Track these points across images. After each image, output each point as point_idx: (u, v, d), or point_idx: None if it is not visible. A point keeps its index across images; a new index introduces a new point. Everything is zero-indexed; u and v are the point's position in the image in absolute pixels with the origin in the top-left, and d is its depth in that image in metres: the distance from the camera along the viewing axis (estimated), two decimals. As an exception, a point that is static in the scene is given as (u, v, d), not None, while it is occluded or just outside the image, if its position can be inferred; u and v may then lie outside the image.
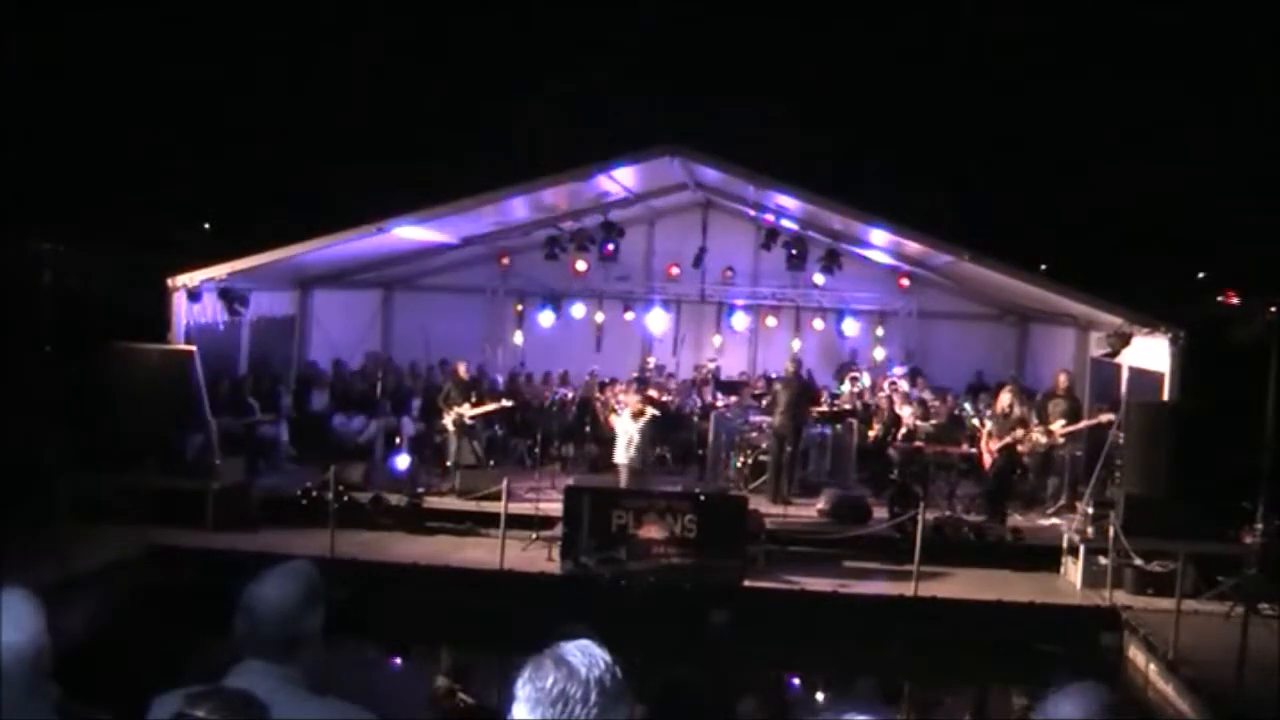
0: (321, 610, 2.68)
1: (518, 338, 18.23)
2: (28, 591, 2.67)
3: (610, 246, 16.34)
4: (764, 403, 14.51)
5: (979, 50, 33.33)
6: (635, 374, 17.10)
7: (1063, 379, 13.65)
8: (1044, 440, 13.12)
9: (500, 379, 16.51)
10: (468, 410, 13.69)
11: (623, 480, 12.30)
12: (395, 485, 13.17)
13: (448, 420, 13.70)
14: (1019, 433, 12.66)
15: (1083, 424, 13.21)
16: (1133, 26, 32.29)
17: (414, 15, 34.13)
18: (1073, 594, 11.10)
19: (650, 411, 12.52)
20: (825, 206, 14.07)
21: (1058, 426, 13.11)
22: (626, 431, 12.33)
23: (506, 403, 14.20)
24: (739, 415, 14.87)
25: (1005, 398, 12.91)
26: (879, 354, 17.82)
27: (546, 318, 17.14)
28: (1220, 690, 8.50)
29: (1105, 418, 12.72)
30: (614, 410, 15.59)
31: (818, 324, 17.58)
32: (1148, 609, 10.41)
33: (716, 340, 17.90)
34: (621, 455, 12.32)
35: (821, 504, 13.03)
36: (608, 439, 15.28)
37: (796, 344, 17.32)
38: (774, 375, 15.80)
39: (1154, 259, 27.63)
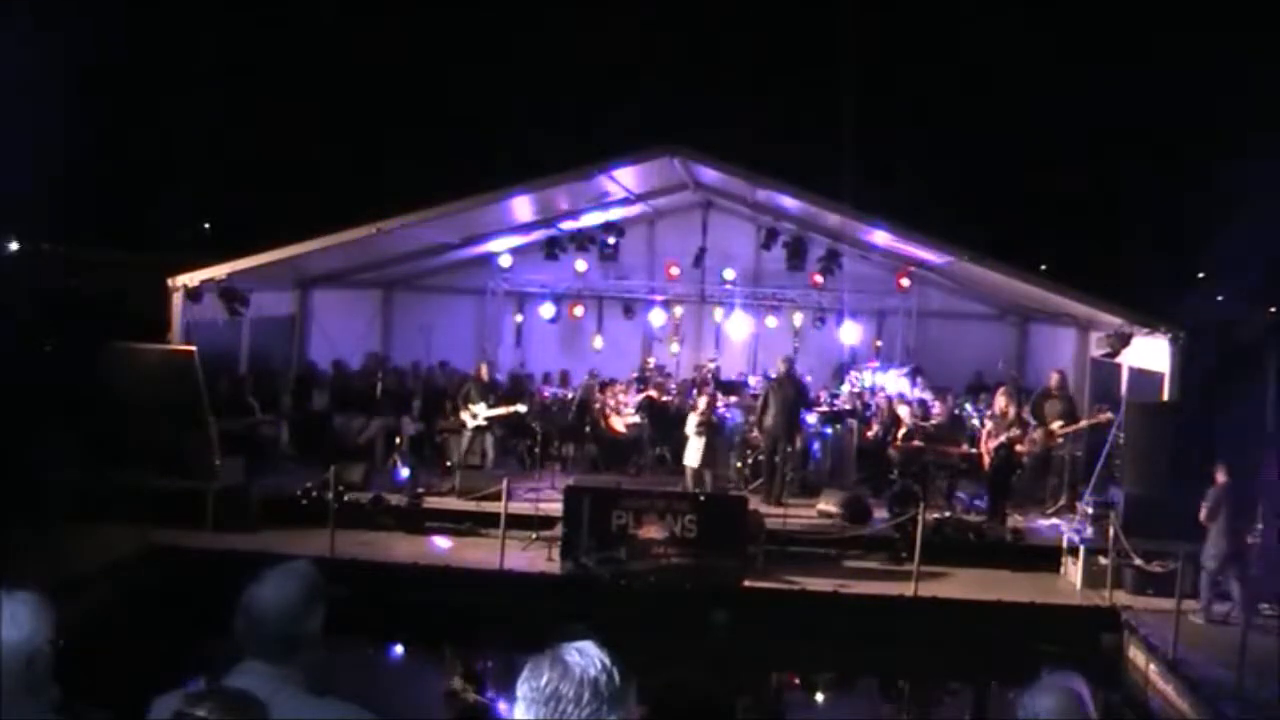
0: (321, 610, 2.68)
1: (517, 338, 18.25)
2: (28, 592, 2.67)
3: (610, 246, 16.36)
4: (758, 404, 14.42)
5: (979, 48, 33.35)
6: (635, 374, 17.11)
7: (1055, 378, 13.63)
8: (1041, 440, 13.09)
9: (501, 379, 16.53)
10: (484, 410, 13.73)
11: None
12: (395, 486, 13.19)
13: (465, 418, 13.75)
14: (1015, 432, 12.65)
15: (1083, 423, 13.20)
16: (1131, 25, 32.31)
17: (414, 14, 34.15)
18: (1073, 594, 11.10)
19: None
20: (825, 206, 14.07)
21: (1056, 427, 13.10)
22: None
23: (520, 407, 14.21)
24: (736, 415, 14.85)
25: (1001, 400, 12.90)
26: (877, 354, 17.82)
27: (546, 317, 17.18)
28: (1220, 690, 8.50)
29: (1104, 416, 12.71)
30: (615, 410, 15.62)
31: (818, 324, 17.57)
32: (1148, 609, 10.41)
33: (713, 354, 17.82)
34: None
35: (823, 504, 13.02)
36: (607, 439, 15.32)
37: (790, 351, 17.24)
38: (772, 375, 15.77)
39: (1154, 259, 27.62)
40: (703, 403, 13.13)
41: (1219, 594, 10.22)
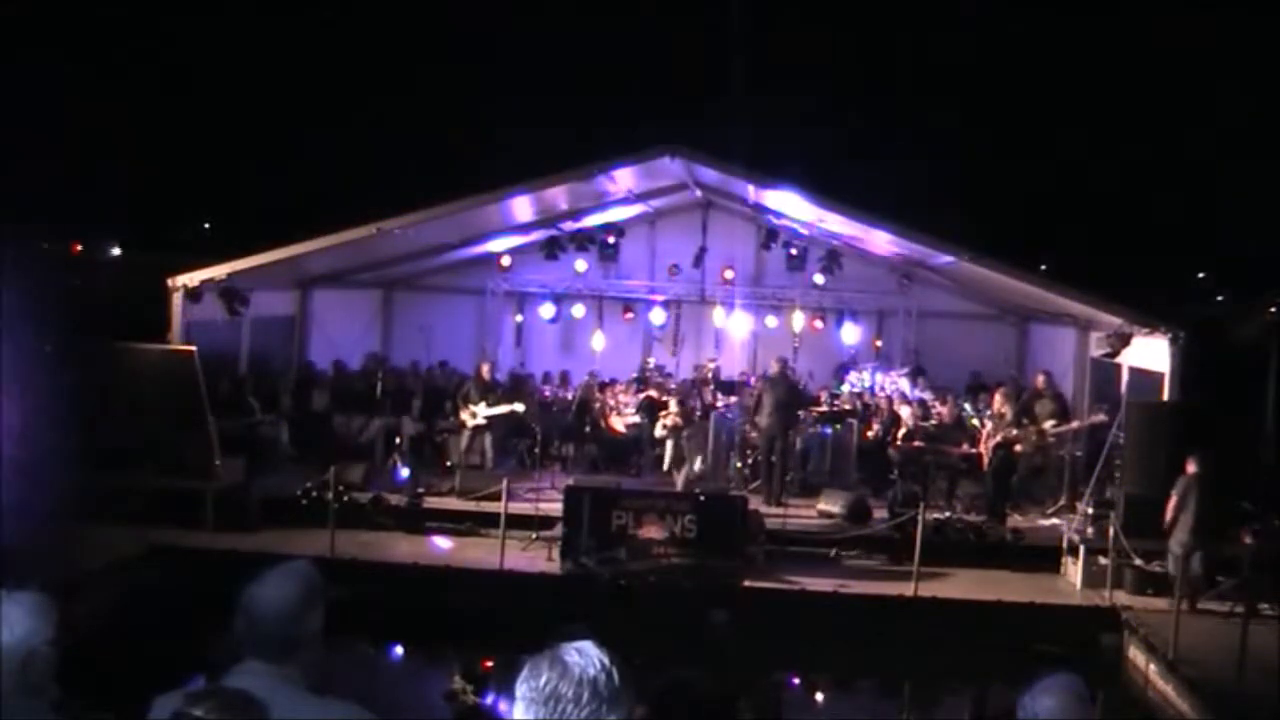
0: (321, 610, 2.68)
1: (517, 338, 18.25)
2: (25, 593, 2.67)
3: (610, 246, 16.34)
4: (752, 403, 14.42)
5: (979, 47, 33.35)
6: (635, 374, 17.10)
7: (1041, 379, 13.76)
8: (1034, 439, 13.09)
9: (501, 379, 16.52)
10: (483, 409, 13.73)
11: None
12: (395, 486, 13.20)
13: (465, 417, 13.76)
14: (1014, 432, 12.65)
15: (1075, 424, 13.24)
16: (1132, 25, 32.32)
17: (413, 15, 34.16)
18: (1073, 594, 11.10)
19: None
20: (825, 206, 14.06)
21: (1049, 426, 13.10)
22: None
23: (519, 406, 14.19)
24: (735, 415, 14.85)
25: (998, 400, 12.95)
26: (878, 354, 17.81)
27: (546, 317, 17.17)
28: (1220, 690, 8.50)
29: (1097, 418, 12.75)
30: (615, 410, 15.62)
31: (818, 324, 17.56)
32: (1148, 609, 10.40)
33: (713, 354, 17.80)
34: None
35: (823, 504, 13.02)
36: (607, 439, 15.32)
37: (791, 351, 17.23)
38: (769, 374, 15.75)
39: (1154, 259, 27.64)
40: (673, 404, 13.16)
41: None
